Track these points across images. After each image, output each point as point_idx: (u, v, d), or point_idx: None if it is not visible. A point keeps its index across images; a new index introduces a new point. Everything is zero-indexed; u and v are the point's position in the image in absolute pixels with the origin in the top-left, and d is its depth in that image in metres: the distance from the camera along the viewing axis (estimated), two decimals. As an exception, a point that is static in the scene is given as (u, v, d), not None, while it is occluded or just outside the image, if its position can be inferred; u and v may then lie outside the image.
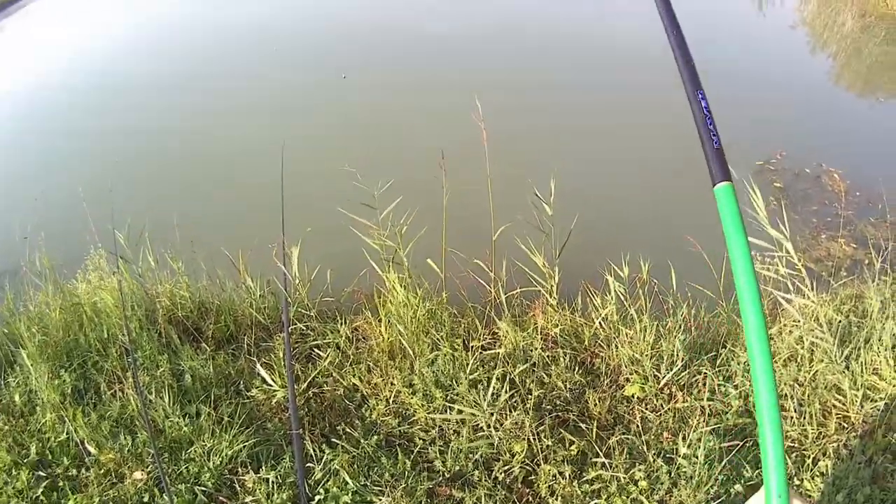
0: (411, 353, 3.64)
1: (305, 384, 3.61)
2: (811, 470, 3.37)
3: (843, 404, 3.59)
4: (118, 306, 3.83)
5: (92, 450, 3.45)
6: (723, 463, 3.30)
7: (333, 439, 3.39)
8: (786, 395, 3.57)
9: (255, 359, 3.72)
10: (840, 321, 3.72)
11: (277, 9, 13.59)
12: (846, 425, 3.59)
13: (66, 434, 3.52)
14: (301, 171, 5.39)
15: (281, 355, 3.68)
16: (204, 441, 3.43)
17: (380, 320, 3.82)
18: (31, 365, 3.74)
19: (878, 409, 3.58)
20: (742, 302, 0.93)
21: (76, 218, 4.50)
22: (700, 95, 1.14)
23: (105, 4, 15.51)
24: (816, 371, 3.62)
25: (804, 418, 3.51)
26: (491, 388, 3.39)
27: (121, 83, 10.23)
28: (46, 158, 8.04)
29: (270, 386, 3.53)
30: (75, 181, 5.50)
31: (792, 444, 3.50)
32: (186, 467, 3.38)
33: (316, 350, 3.84)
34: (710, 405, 3.55)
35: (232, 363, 3.84)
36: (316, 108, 8.76)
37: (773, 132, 7.40)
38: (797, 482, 3.37)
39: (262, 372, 3.49)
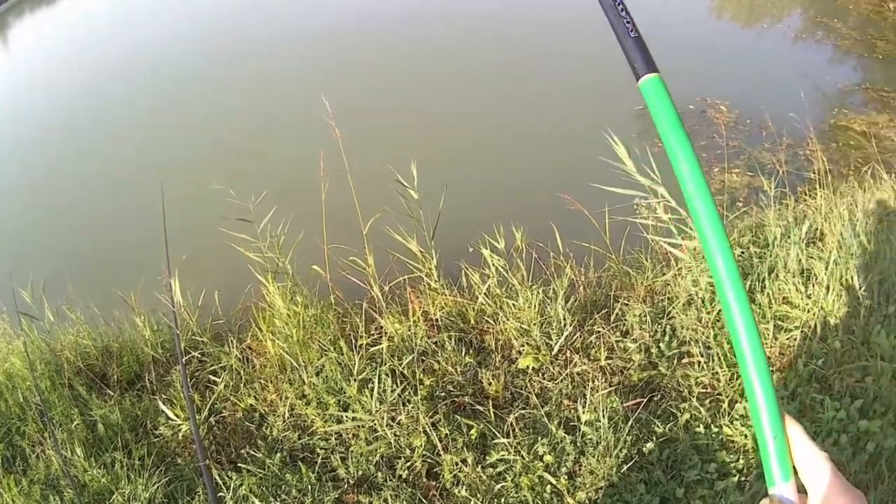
0: (300, 363, 3.64)
1: (207, 412, 3.66)
2: (729, 414, 3.21)
3: (755, 339, 3.41)
4: (27, 368, 3.97)
5: (29, 517, 3.55)
6: (629, 423, 3.18)
7: (240, 464, 3.41)
8: (688, 339, 3.43)
9: (156, 396, 3.79)
10: (738, 254, 3.55)
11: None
12: (761, 360, 3.41)
13: (4, 504, 3.63)
14: (177, 197, 5.39)
15: (180, 388, 3.74)
16: (122, 488, 3.48)
17: (266, 336, 3.85)
18: None
19: (795, 339, 3.39)
20: (693, 210, 0.79)
21: None
22: None
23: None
24: (719, 311, 3.46)
25: (713, 361, 3.36)
26: (377, 387, 3.36)
27: None
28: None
29: (174, 420, 3.60)
30: None
31: (704, 391, 3.34)
32: (112, 518, 3.44)
33: (212, 376, 3.89)
34: (609, 364, 3.42)
35: (138, 404, 3.90)
36: (169, 130, 8.72)
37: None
38: (715, 429, 3.22)
39: (164, 408, 3.56)
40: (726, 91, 6.34)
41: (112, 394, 3.96)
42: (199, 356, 3.95)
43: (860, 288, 3.35)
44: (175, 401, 3.68)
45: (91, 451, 3.63)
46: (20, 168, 9.06)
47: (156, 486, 3.45)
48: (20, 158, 9.43)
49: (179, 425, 3.56)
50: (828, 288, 3.35)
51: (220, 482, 3.36)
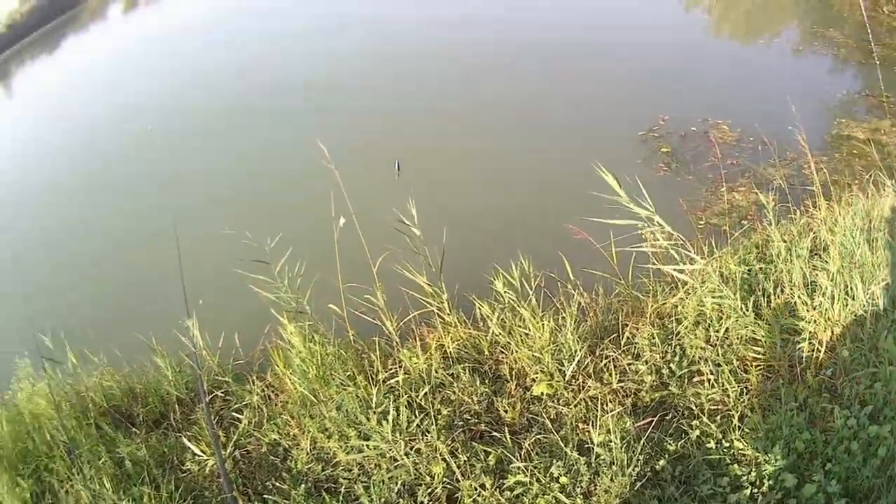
0: (320, 398, 3.77)
1: (232, 447, 3.79)
2: (740, 429, 3.28)
3: (763, 354, 3.49)
4: (53, 409, 4.16)
5: (60, 552, 3.70)
6: (641, 442, 3.26)
7: (265, 495, 3.54)
8: (697, 358, 3.50)
9: (181, 434, 3.94)
10: (743, 272, 3.64)
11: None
12: (770, 375, 3.48)
13: (37, 539, 3.79)
14: (194, 242, 5.62)
15: (205, 425, 3.89)
16: None
17: (286, 373, 3.99)
18: None
19: (802, 350, 3.47)
20: None
21: None
22: None
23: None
24: (727, 328, 3.54)
25: (723, 377, 3.43)
26: (393, 418, 3.47)
27: None
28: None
29: (200, 456, 3.74)
30: None
31: (714, 407, 3.41)
32: (141, 551, 3.58)
33: (236, 413, 4.04)
34: (621, 387, 3.51)
35: (164, 441, 4.05)
36: (193, 180, 9.02)
37: (653, 99, 7.37)
38: (726, 443, 3.28)
39: (190, 445, 3.71)
40: (728, 110, 6.44)
41: (138, 432, 4.13)
42: (223, 395, 4.10)
43: (865, 295, 3.42)
44: (200, 437, 3.82)
45: (119, 486, 3.77)
46: (34, 217, 9.55)
47: (184, 518, 3.56)
48: (33, 207, 9.90)
49: (205, 460, 3.70)
50: (833, 298, 3.42)
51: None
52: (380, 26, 13.12)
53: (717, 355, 3.41)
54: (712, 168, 5.64)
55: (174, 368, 4.39)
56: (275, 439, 3.68)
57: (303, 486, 3.52)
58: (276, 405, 3.92)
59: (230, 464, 3.66)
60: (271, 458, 3.65)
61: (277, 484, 3.54)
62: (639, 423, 3.29)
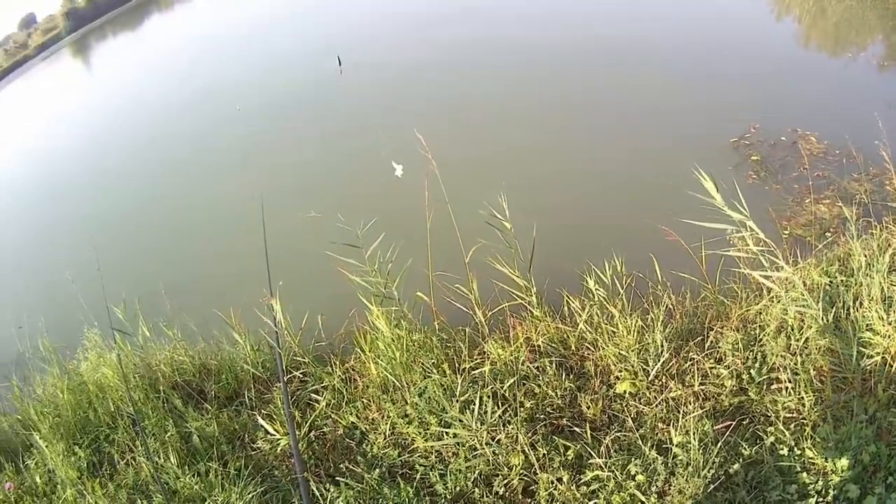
0: (403, 384, 4.13)
1: (307, 428, 4.16)
2: (811, 438, 3.73)
3: (839, 366, 3.95)
4: (120, 379, 4.43)
5: (113, 520, 4.05)
6: (718, 445, 3.68)
7: (338, 478, 3.93)
8: (777, 366, 3.92)
9: (255, 412, 4.28)
10: (825, 284, 4.03)
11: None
12: (843, 386, 3.96)
13: (88, 507, 4.14)
14: (281, 223, 6.18)
15: (280, 405, 4.22)
16: (215, 496, 4.02)
17: (369, 358, 4.34)
18: (46, 446, 4.37)
19: (876, 365, 3.94)
20: None
21: (69, 300, 5.19)
22: None
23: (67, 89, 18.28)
24: (807, 338, 3.97)
25: (800, 386, 3.87)
26: (479, 407, 3.85)
27: (88, 167, 11.96)
28: (30, 248, 9.28)
29: (273, 435, 4.09)
30: (61, 266, 6.48)
31: (790, 415, 3.89)
32: (201, 524, 3.96)
33: (313, 395, 4.39)
34: (702, 390, 3.96)
35: (236, 419, 4.49)
36: (280, 161, 10.16)
37: (745, 106, 8.01)
38: (798, 451, 3.74)
39: (264, 423, 4.05)
40: (816, 121, 6.97)
41: (209, 408, 4.45)
42: (301, 375, 4.40)
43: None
44: (275, 416, 4.14)
45: (185, 461, 4.09)
46: (122, 192, 11.11)
47: (251, 495, 3.95)
48: (121, 182, 11.57)
49: (278, 440, 4.08)
50: (909, 314, 3.84)
51: (316, 494, 3.84)
52: (475, 23, 14.94)
53: (797, 364, 3.83)
54: (799, 179, 6.10)
55: (253, 346, 4.69)
56: (352, 422, 4.10)
57: (377, 470, 3.96)
58: (356, 388, 4.24)
59: (304, 444, 4.00)
60: (347, 440, 4.07)
61: (351, 467, 3.98)
62: (717, 427, 3.69)
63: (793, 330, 4.15)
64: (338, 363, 4.75)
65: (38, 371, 5.39)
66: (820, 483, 3.60)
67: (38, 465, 4.71)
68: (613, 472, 3.83)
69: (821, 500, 3.55)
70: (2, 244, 11.38)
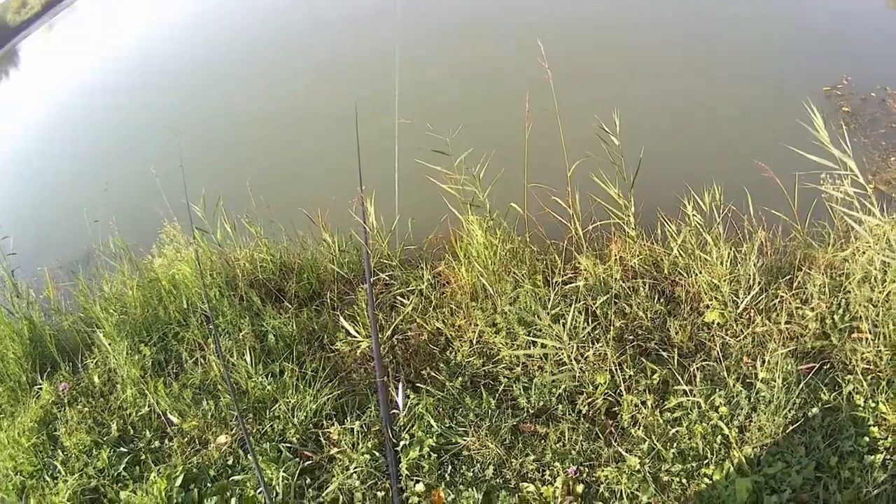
0: (493, 292, 4.02)
1: (389, 332, 4.02)
2: (886, 392, 3.79)
3: (917, 322, 4.01)
4: (196, 276, 4.20)
5: (174, 419, 3.93)
6: (800, 386, 3.71)
7: (418, 384, 3.83)
8: (860, 315, 3.97)
9: (338, 312, 4.11)
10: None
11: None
12: (920, 343, 4.02)
13: (148, 407, 3.99)
14: (372, 128, 5.93)
15: (364, 306, 4.08)
16: (288, 398, 3.91)
17: (461, 264, 4.21)
18: (109, 344, 4.13)
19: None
20: None
21: (147, 197, 5.36)
22: None
23: None
24: (889, 291, 4.02)
25: (878, 339, 3.93)
26: (571, 321, 3.77)
27: (179, 62, 13.50)
28: (109, 144, 9.99)
29: (354, 337, 3.96)
30: (143, 161, 6.28)
31: (867, 367, 3.95)
32: (271, 425, 3.88)
33: (399, 298, 4.25)
34: (787, 328, 4.00)
35: (315, 319, 4.37)
36: (374, 65, 9.63)
37: (837, 58, 8.00)
38: (872, 404, 3.79)
39: (346, 324, 3.88)
40: None
41: (289, 307, 4.23)
42: (387, 278, 4.24)
43: None
44: (357, 318, 3.98)
45: (259, 360, 3.90)
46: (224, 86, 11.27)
47: (326, 398, 3.79)
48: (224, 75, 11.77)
49: (359, 342, 3.93)
50: None
51: (395, 399, 3.70)
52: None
53: (877, 316, 3.86)
54: (886, 135, 6.16)
55: (340, 246, 4.53)
56: (438, 328, 3.98)
57: (459, 378, 3.89)
58: (443, 295, 4.11)
59: (386, 348, 3.87)
60: (430, 346, 3.97)
61: (433, 374, 3.82)
62: (801, 367, 3.72)
63: (876, 281, 4.23)
64: (427, 267, 4.63)
65: (106, 269, 5.18)
66: (889, 440, 3.60)
67: (97, 365, 4.56)
68: (698, 400, 3.84)
69: (888, 457, 3.50)
70: (95, 138, 11.22)
